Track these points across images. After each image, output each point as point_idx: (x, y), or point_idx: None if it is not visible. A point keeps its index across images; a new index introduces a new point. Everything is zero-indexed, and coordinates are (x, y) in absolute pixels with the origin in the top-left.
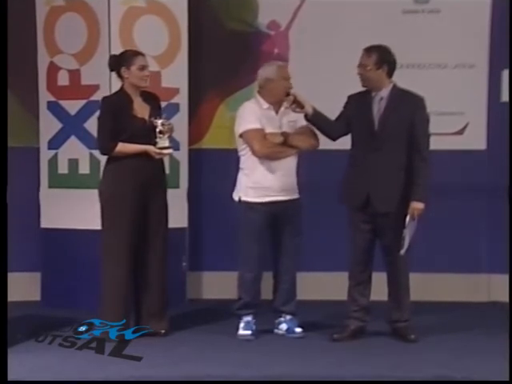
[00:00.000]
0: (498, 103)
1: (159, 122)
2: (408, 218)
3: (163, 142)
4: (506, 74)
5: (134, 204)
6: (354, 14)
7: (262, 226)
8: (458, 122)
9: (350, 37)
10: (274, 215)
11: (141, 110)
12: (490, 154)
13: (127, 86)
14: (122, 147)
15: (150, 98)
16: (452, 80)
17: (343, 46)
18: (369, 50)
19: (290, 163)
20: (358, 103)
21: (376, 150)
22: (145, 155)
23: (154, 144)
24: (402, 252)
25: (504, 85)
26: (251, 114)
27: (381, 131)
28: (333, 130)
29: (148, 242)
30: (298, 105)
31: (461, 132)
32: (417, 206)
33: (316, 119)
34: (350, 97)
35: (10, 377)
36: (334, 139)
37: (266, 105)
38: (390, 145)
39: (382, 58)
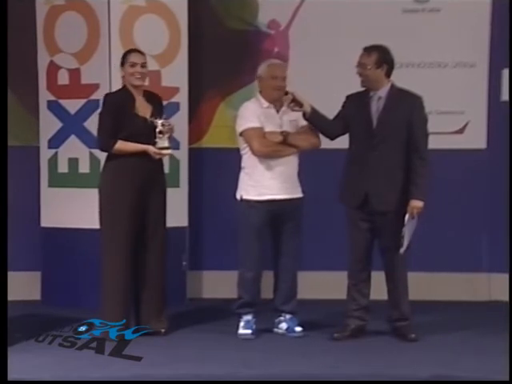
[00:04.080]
0: (498, 102)
1: (159, 122)
2: (407, 217)
3: (163, 142)
4: (506, 73)
5: (133, 203)
6: (353, 13)
7: (262, 225)
8: (458, 121)
9: (350, 36)
10: (275, 214)
11: (143, 108)
12: (490, 153)
13: (127, 85)
14: (122, 145)
15: (153, 98)
16: (452, 79)
17: (343, 45)
18: (369, 50)
19: (290, 162)
20: (357, 103)
21: (374, 149)
22: (144, 154)
23: (154, 144)
24: (402, 251)
25: (504, 84)
26: (251, 113)
27: (379, 130)
28: (331, 129)
29: (147, 242)
30: (296, 104)
31: (461, 131)
32: (416, 204)
33: (314, 118)
34: (348, 96)
35: (10, 376)
36: (332, 138)
37: (266, 103)
38: (389, 144)
39: (381, 57)
